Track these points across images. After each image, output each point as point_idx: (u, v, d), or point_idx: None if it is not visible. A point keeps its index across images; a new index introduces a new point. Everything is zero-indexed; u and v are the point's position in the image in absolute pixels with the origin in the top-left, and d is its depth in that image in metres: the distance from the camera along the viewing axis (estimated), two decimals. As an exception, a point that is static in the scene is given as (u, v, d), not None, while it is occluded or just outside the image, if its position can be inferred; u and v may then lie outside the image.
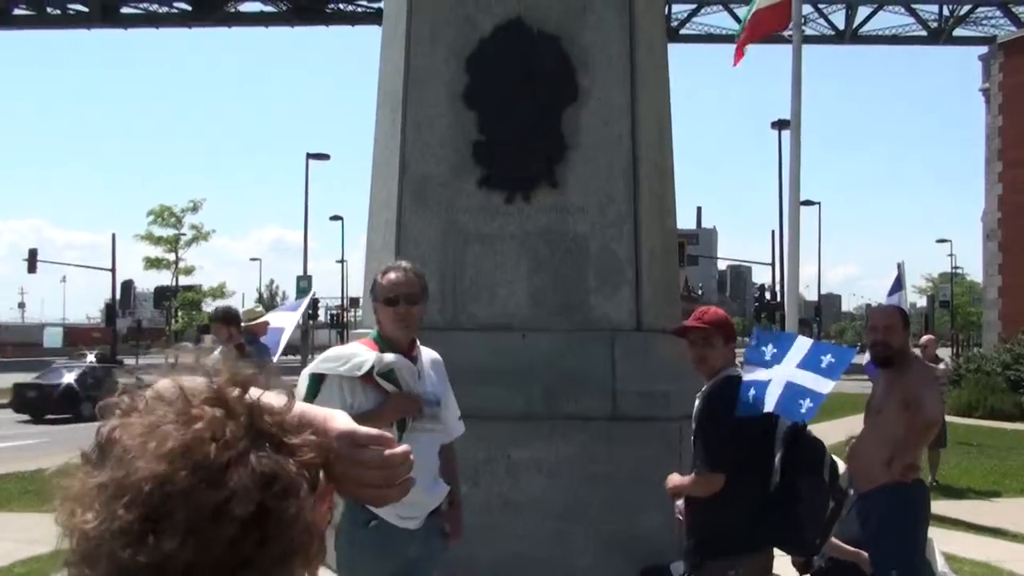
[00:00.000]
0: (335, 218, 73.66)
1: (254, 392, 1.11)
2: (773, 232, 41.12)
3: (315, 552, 1.10)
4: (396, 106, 6.88)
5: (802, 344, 4.47)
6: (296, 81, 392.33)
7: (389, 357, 4.04)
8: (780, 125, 39.90)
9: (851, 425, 6.03)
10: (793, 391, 4.21)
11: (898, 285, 12.46)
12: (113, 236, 57.82)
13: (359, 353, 4.08)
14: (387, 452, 1.22)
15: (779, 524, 4.22)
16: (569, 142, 6.65)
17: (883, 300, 9.51)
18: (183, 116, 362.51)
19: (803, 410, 4.12)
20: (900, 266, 12.95)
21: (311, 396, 3.98)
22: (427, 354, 4.32)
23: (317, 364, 4.16)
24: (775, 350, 4.43)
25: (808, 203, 43.11)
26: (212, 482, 1.00)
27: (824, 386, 4.23)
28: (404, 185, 6.73)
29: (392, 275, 4.21)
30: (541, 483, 6.10)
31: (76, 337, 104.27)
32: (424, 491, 4.02)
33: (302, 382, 4.10)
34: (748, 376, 4.35)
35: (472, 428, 6.23)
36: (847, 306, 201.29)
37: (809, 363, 4.30)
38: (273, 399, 1.13)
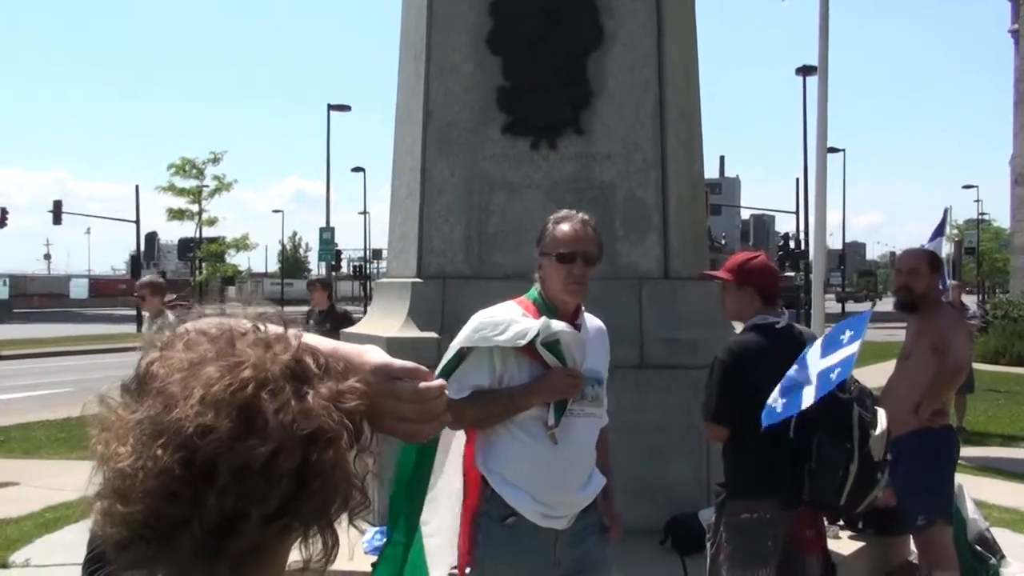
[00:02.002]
0: (357, 169, 73.78)
1: (297, 333, 1.08)
2: (797, 180, 40.85)
3: (356, 503, 1.08)
4: (419, 52, 6.80)
5: (816, 344, 4.32)
6: (315, 31, 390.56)
7: (557, 325, 3.47)
8: (805, 71, 39.47)
9: (888, 371, 5.96)
10: (823, 377, 4.04)
11: (939, 231, 12.34)
12: (136, 188, 58.22)
13: (518, 319, 3.51)
14: (422, 384, 1.20)
15: (790, 478, 4.11)
16: (595, 88, 6.56)
17: (918, 245, 9.40)
18: (203, 67, 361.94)
19: (833, 376, 4.01)
20: (946, 211, 12.85)
21: (452, 368, 3.51)
22: (591, 322, 3.75)
23: (469, 336, 3.53)
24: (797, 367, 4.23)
25: (833, 150, 42.70)
26: (259, 436, 0.96)
27: (849, 351, 4.11)
28: (428, 132, 6.66)
29: (567, 226, 3.59)
30: (568, 431, 6.08)
31: (102, 288, 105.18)
32: (577, 488, 3.56)
33: (448, 355, 3.57)
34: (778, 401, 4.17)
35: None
36: (871, 254, 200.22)
37: (829, 347, 4.17)
38: (317, 341, 1.10)
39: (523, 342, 3.43)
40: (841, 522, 5.74)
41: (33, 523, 7.90)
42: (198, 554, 0.97)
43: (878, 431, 4.03)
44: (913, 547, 6.02)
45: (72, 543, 7.17)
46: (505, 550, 3.51)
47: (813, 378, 4.03)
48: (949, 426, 5.74)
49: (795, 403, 4.00)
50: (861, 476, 4.00)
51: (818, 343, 4.23)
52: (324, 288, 11.49)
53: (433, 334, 6.32)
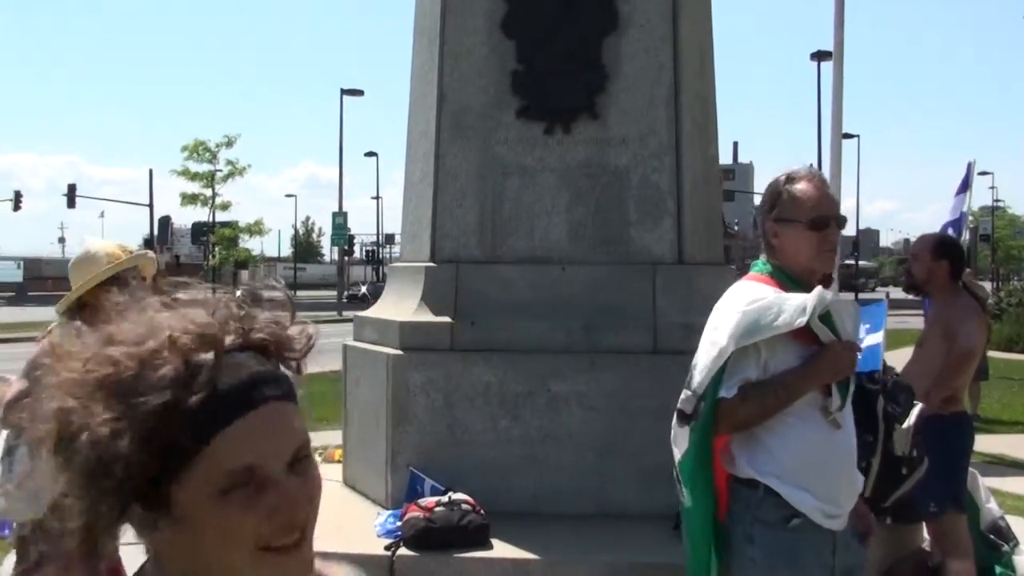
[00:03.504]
0: (370, 154, 74.08)
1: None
2: (812, 166, 40.57)
3: None
4: (433, 36, 6.77)
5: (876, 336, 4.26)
6: (328, 15, 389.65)
7: (828, 294, 3.12)
8: (820, 56, 39.29)
9: (905, 358, 5.93)
10: None
11: (964, 185, 11.96)
12: (150, 172, 58.46)
13: (788, 296, 3.12)
14: None
15: None
16: (610, 71, 6.52)
17: (935, 229, 9.06)
18: (215, 52, 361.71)
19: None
20: (971, 165, 12.36)
21: (722, 371, 3.16)
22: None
23: (740, 336, 3.09)
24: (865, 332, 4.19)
25: (847, 136, 42.51)
26: None
27: (871, 341, 4.07)
28: (442, 116, 6.64)
29: (808, 187, 3.22)
30: (581, 417, 6.08)
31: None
32: (856, 476, 3.29)
33: (711, 358, 3.20)
34: None
35: (512, 361, 6.24)
36: (885, 241, 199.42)
37: None
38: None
39: (804, 320, 3.04)
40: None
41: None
42: None
43: (904, 426, 3.97)
44: (926, 534, 6.00)
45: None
46: (790, 559, 3.12)
47: None
48: (962, 413, 5.70)
49: None
50: (884, 470, 3.95)
51: None
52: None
53: (447, 318, 6.32)
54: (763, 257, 3.32)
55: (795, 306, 3.05)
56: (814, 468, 3.13)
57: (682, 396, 3.31)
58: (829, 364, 3.10)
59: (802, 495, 3.11)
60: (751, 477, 3.19)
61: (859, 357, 3.55)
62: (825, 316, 3.09)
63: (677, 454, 3.32)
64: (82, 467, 1.07)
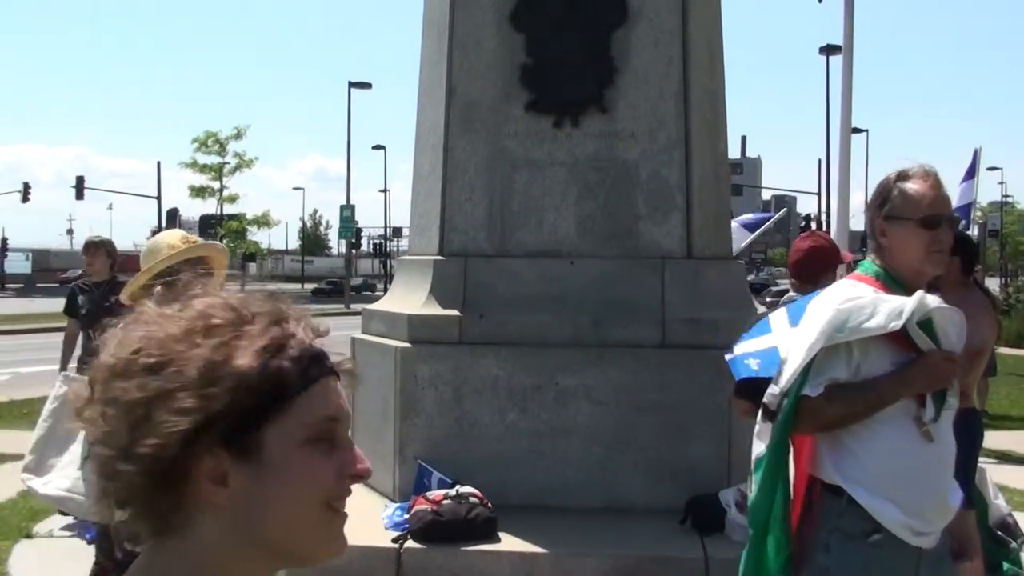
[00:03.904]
0: (377, 147, 73.88)
1: None
2: (820, 161, 40.63)
3: None
4: (442, 29, 6.77)
5: (780, 313, 4.24)
6: (336, 7, 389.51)
7: (932, 300, 2.97)
8: (828, 50, 39.17)
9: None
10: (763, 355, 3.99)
11: (971, 172, 11.68)
12: (158, 164, 58.63)
13: (885, 298, 3.00)
14: None
15: None
16: (619, 65, 6.51)
17: (955, 189, 8.65)
18: (222, 44, 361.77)
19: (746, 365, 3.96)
20: (977, 152, 12.01)
21: (804, 372, 3.04)
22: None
23: (831, 334, 2.97)
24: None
25: (856, 130, 42.40)
26: None
27: None
28: (451, 110, 6.64)
29: (922, 185, 3.07)
30: (589, 410, 6.09)
31: (124, 264, 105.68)
32: (949, 492, 3.11)
33: (799, 357, 3.05)
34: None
35: (520, 355, 6.24)
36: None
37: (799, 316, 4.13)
38: None
39: (899, 323, 2.90)
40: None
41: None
42: None
43: None
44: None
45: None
46: (864, 574, 3.01)
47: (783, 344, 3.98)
48: (971, 410, 5.67)
49: (772, 364, 3.97)
50: None
51: (783, 312, 4.18)
52: (108, 254, 8.05)
53: (455, 312, 6.32)
54: (870, 257, 3.21)
55: (891, 309, 2.93)
56: (901, 480, 3.00)
57: (768, 392, 3.18)
58: (925, 373, 2.97)
59: (887, 508, 2.98)
60: (836, 484, 3.07)
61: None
62: (926, 323, 2.98)
63: (758, 449, 3.21)
64: (189, 381, 1.16)
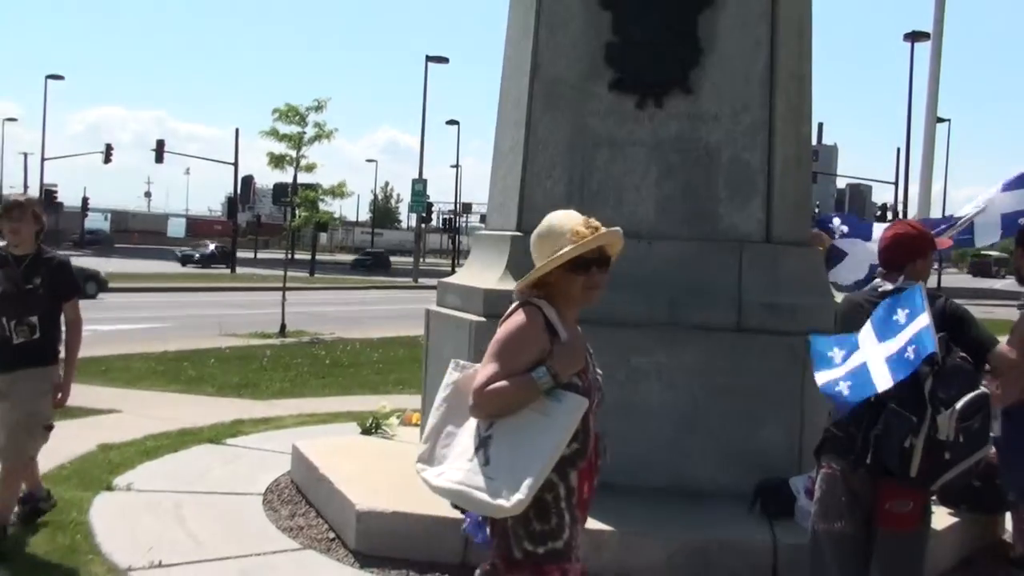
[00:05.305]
0: (451, 122, 74.17)
1: None
2: (899, 150, 39.91)
3: None
4: (530, 5, 6.77)
5: (867, 329, 4.24)
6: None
7: None
8: (914, 36, 38.30)
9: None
10: (897, 361, 3.98)
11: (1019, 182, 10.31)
12: (236, 131, 59.47)
13: None
14: None
15: (861, 442, 4.06)
16: (704, 46, 6.47)
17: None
18: (299, 15, 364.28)
19: (910, 356, 3.93)
20: None
21: None
22: None
23: None
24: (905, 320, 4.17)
25: (940, 120, 41.55)
26: None
27: (916, 327, 4.01)
28: (535, 86, 6.65)
29: None
30: (661, 391, 6.09)
31: (198, 228, 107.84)
32: None
33: None
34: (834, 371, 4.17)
35: (594, 333, 6.23)
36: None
37: (885, 331, 4.11)
38: None
39: None
40: (935, 497, 5.66)
41: (135, 450, 8.19)
42: None
43: (948, 411, 3.92)
44: (1009, 526, 5.92)
45: (171, 472, 7.43)
46: None
47: (879, 363, 3.98)
48: None
49: (864, 388, 3.97)
50: (927, 452, 3.94)
51: (868, 328, 4.17)
52: (35, 218, 5.83)
53: (531, 288, 6.34)
54: None
55: None
56: None
57: None
58: None
59: None
60: None
61: (912, 344, 3.76)
62: None
63: None
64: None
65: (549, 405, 3.13)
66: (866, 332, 4.17)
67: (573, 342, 3.30)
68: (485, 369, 3.22)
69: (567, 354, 3.23)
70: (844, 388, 4.01)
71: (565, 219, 3.38)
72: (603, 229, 3.32)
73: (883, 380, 3.91)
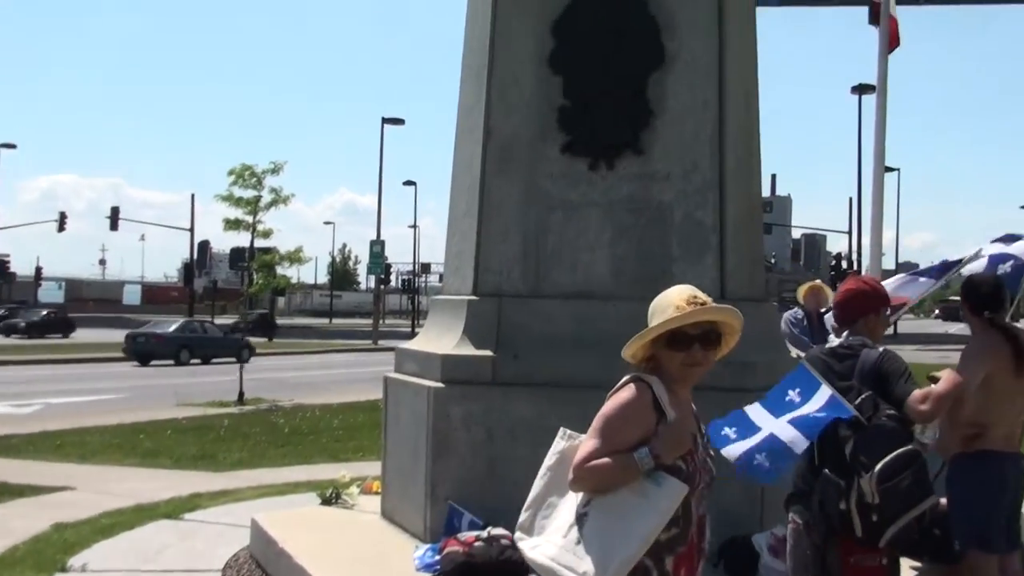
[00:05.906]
0: (408, 183, 74.37)
1: None
2: (851, 199, 40.57)
3: None
4: (481, 71, 6.83)
5: (756, 405, 4.33)
6: (370, 43, 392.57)
7: None
8: (861, 89, 39.17)
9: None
10: (768, 445, 4.07)
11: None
12: (192, 196, 59.40)
13: None
14: None
15: (808, 495, 4.18)
16: (655, 107, 6.54)
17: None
18: (253, 79, 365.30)
19: (759, 465, 4.03)
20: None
21: None
22: None
23: None
24: (799, 399, 4.24)
25: (888, 169, 42.34)
26: None
27: (821, 397, 4.11)
28: (488, 149, 6.68)
29: None
30: (622, 452, 6.05)
31: (154, 295, 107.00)
32: None
33: None
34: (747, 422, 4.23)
35: (554, 396, 6.22)
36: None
37: (778, 408, 4.22)
38: None
39: None
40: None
41: (90, 528, 8.01)
42: None
43: (868, 474, 3.97)
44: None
45: (127, 550, 7.27)
46: None
47: (786, 428, 4.04)
48: (988, 451, 5.51)
49: (782, 455, 4.03)
50: (860, 514, 4.00)
51: (758, 408, 4.23)
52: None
53: (489, 352, 6.33)
54: None
55: None
56: None
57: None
58: None
59: None
60: None
61: (820, 415, 3.91)
62: None
63: None
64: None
65: (648, 487, 3.02)
66: (757, 412, 4.22)
67: (679, 424, 3.16)
68: (587, 443, 3.14)
69: (671, 437, 3.10)
70: (763, 459, 4.03)
71: (673, 293, 3.34)
72: (711, 304, 3.25)
73: (798, 442, 3.97)
